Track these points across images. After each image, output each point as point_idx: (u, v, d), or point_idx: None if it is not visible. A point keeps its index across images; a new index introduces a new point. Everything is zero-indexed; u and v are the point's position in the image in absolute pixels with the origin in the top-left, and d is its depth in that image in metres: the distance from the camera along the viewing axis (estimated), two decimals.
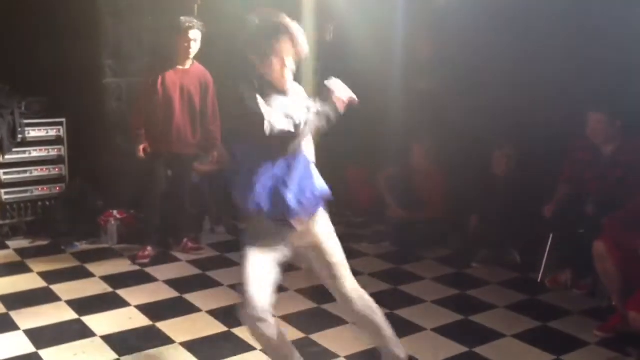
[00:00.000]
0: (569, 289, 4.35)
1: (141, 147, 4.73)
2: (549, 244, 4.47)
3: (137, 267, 4.75)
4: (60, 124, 5.50)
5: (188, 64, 4.75)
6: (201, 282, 4.49)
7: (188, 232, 5.12)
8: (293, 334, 3.56)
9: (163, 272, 4.67)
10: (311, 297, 4.10)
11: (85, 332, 3.69)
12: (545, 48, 4.72)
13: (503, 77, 4.96)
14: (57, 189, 5.51)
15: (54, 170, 5.50)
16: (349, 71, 5.63)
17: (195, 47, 4.67)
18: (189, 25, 4.58)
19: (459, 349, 3.54)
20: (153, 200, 4.87)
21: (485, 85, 5.06)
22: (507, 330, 3.76)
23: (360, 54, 5.54)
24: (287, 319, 3.79)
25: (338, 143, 5.93)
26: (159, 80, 4.66)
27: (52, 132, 5.48)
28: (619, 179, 4.04)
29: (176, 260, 4.93)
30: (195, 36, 4.63)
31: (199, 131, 4.84)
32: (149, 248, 4.89)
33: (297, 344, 3.15)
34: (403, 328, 3.70)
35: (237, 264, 4.74)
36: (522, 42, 4.85)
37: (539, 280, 4.50)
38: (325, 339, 3.59)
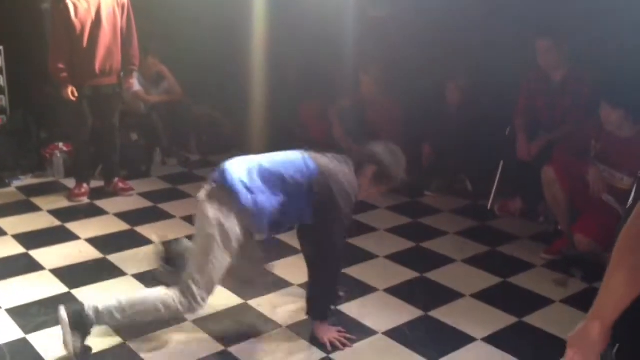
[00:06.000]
0: (517, 215, 4.47)
1: (69, 89, 4.36)
2: (499, 171, 4.55)
3: (86, 200, 4.65)
4: None
5: None
6: (152, 215, 4.43)
7: (118, 171, 4.88)
8: None
9: (113, 205, 4.58)
10: None
11: (33, 266, 3.61)
12: None
13: (456, 7, 4.89)
14: None
15: None
16: None
17: None
18: None
19: (410, 274, 3.61)
20: (82, 136, 4.64)
21: (439, 14, 4.98)
22: (457, 256, 3.85)
23: None
24: None
25: (291, 77, 5.83)
26: (72, 13, 4.27)
27: None
28: (567, 107, 4.10)
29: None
30: None
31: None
32: (84, 185, 4.72)
33: None
34: (356, 255, 3.76)
35: (189, 196, 4.74)
36: None
37: (488, 207, 4.60)
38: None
